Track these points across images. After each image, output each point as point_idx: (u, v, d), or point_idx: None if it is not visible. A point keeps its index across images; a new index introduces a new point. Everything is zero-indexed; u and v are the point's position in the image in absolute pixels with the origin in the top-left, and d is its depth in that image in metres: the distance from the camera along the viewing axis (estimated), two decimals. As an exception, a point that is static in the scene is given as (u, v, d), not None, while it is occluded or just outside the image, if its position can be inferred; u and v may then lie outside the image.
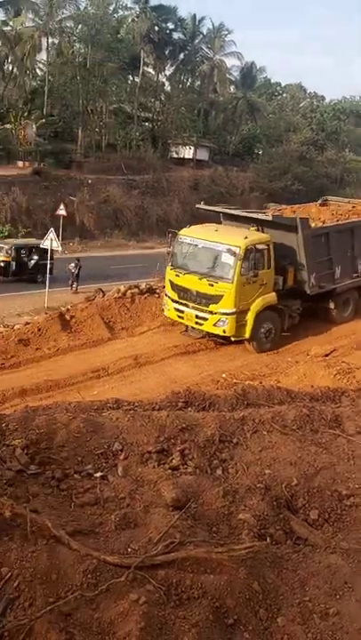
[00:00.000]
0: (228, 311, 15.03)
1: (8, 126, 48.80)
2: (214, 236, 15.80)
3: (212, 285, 15.12)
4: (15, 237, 35.69)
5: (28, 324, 17.87)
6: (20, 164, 45.79)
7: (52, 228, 23.93)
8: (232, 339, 15.54)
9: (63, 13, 52.22)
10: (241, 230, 16.51)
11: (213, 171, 59.98)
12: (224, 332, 15.21)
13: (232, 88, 69.26)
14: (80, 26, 52.35)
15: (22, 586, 3.79)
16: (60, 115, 51.86)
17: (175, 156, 61.69)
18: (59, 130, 50.55)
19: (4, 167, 41.92)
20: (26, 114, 51.15)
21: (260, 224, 16.83)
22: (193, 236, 16.25)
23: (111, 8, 58.09)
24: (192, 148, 61.10)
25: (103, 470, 5.27)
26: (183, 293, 16.00)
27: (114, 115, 59.00)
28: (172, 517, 4.56)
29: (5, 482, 4.77)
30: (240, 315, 15.15)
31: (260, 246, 15.41)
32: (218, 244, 15.33)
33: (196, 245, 15.88)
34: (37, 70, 57.48)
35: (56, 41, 53.89)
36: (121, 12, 59.43)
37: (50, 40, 52.45)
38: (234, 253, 14.86)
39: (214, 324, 15.19)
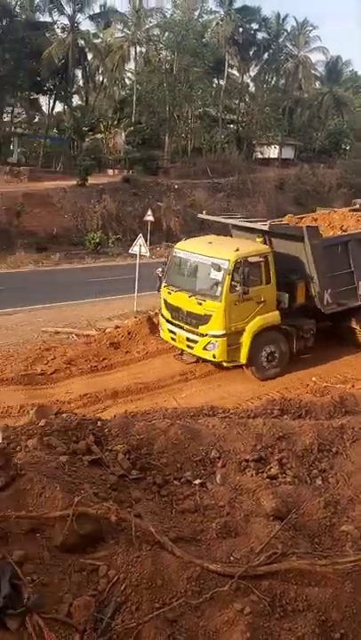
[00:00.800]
0: (217, 333, 12.78)
1: (99, 136, 50.41)
2: (206, 249, 13.73)
3: (201, 304, 13.01)
4: (107, 244, 36.83)
5: (118, 327, 18.33)
6: (110, 172, 47.15)
7: (140, 235, 24.44)
8: (224, 364, 13.28)
9: (150, 22, 53.37)
10: (239, 242, 14.42)
11: (299, 169, 58.99)
12: (214, 356, 12.97)
13: (317, 84, 67.82)
14: (166, 33, 53.21)
15: (129, 590, 3.91)
16: (147, 122, 52.93)
17: (260, 156, 61.19)
18: (146, 137, 51.59)
19: (95, 176, 43.30)
20: (115, 123, 52.63)
21: (268, 234, 14.66)
22: (185, 249, 14.22)
23: (196, 13, 58.62)
24: (277, 147, 60.42)
25: (202, 477, 5.33)
26: (175, 313, 13.99)
27: (199, 119, 59.45)
28: (273, 527, 4.54)
29: (109, 486, 4.94)
30: (233, 337, 12.86)
31: (254, 259, 13.07)
32: (207, 257, 13.23)
33: (188, 260, 13.93)
34: (126, 80, 59.05)
35: (143, 50, 55.12)
36: (205, 17, 59.84)
37: (137, 49, 53.70)
38: (221, 268, 12.62)
39: (204, 348, 13.09)
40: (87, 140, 50.03)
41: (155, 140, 54.03)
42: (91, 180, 41.86)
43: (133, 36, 51.88)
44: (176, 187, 47.09)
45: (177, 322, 13.90)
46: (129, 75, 57.65)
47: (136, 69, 54.83)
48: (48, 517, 4.25)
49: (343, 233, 15.83)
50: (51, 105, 49.04)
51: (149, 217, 33.17)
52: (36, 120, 51.90)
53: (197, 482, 5.22)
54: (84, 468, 5.00)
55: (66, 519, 4.15)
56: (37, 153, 48.45)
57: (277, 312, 13.53)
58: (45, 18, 47.91)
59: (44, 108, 50.98)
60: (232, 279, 12.64)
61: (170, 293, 14.21)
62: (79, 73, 50.25)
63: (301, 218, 18.08)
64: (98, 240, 36.72)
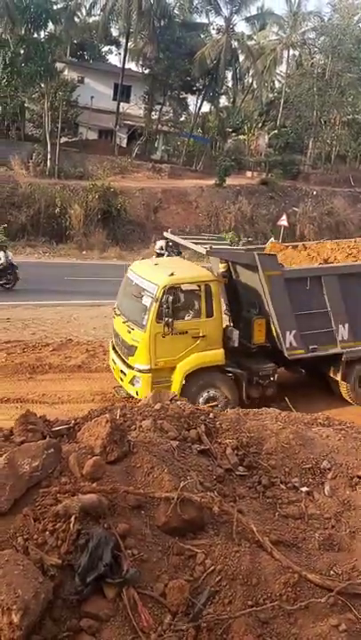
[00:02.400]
0: (141, 367, 11.04)
1: (241, 137, 50.65)
2: (147, 271, 11.97)
3: (130, 332, 11.40)
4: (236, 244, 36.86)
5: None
6: (249, 173, 47.21)
7: (272, 238, 24.32)
8: None
9: (306, 25, 52.63)
10: (185, 267, 12.67)
11: None
12: (137, 393, 11.06)
13: None
14: (322, 37, 52.20)
15: (224, 582, 3.92)
16: (292, 126, 52.31)
17: None
18: (290, 141, 51.01)
19: (233, 177, 43.60)
20: (259, 125, 52.56)
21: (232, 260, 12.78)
22: (134, 270, 12.41)
23: (356, 18, 56.89)
24: None
25: (309, 486, 5.20)
26: (116, 339, 12.40)
27: (347, 126, 57.69)
28: (380, 549, 4.32)
29: (215, 478, 4.97)
30: (160, 373, 11.01)
31: (189, 287, 11.26)
32: (144, 281, 11.54)
33: (132, 282, 12.10)
34: (275, 82, 58.76)
35: (296, 53, 54.50)
36: (366, 21, 57.86)
37: (290, 52, 53.20)
38: (150, 294, 10.98)
39: (130, 382, 11.32)
40: (230, 140, 50.46)
41: (298, 144, 53.26)
42: (229, 181, 42.19)
43: (288, 38, 51.46)
44: (315, 193, 46.13)
45: (117, 349, 12.25)
46: (279, 78, 57.32)
47: (287, 72, 54.33)
48: (154, 497, 4.36)
49: (315, 266, 13.07)
50: (198, 104, 50.03)
51: (283, 221, 32.81)
52: (182, 119, 53.20)
53: (304, 489, 5.10)
54: (193, 456, 5.07)
55: (170, 501, 4.24)
56: (180, 151, 49.68)
57: (221, 351, 11.24)
58: (202, 19, 48.98)
59: (191, 108, 52.16)
60: (160, 307, 10.70)
61: (114, 317, 12.61)
62: (229, 74, 50.73)
63: (293, 246, 14.84)
64: (229, 241, 36.96)
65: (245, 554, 4.07)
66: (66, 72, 44.09)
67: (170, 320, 10.80)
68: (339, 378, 12.38)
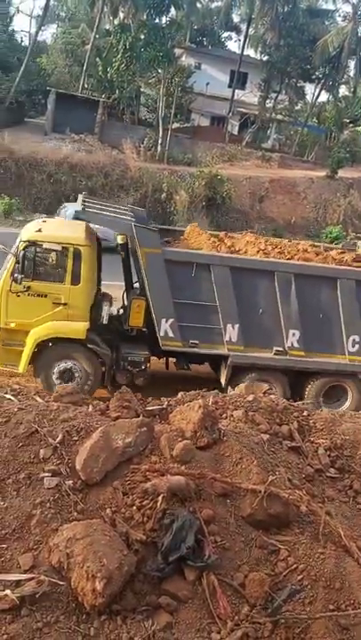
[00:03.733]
0: None
1: (359, 129, 48.73)
2: (30, 227, 10.97)
3: None
4: (344, 239, 35.68)
5: None
6: (363, 167, 45.40)
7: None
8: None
9: None
10: (63, 226, 11.76)
11: None
12: None
13: None
14: None
15: (306, 582, 3.85)
16: None
17: None
18: None
19: (347, 169, 42.06)
20: (379, 117, 50.28)
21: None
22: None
23: None
24: None
25: None
26: None
27: None
28: None
29: (304, 476, 4.87)
30: (11, 334, 10.13)
31: (54, 247, 10.09)
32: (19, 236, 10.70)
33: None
34: None
35: None
36: None
37: None
38: (14, 247, 10.12)
39: None
40: (346, 131, 48.66)
41: None
42: (341, 173, 40.76)
43: None
44: None
45: None
46: None
47: None
48: (240, 487, 4.35)
49: (204, 252, 11.40)
50: (315, 93, 48.60)
51: (395, 219, 31.28)
52: (298, 108, 51.95)
53: None
54: (283, 452, 4.99)
55: (257, 494, 4.21)
56: (292, 140, 48.60)
57: (84, 325, 10.04)
58: (328, 6, 47.38)
59: (308, 97, 50.79)
60: (16, 262, 9.80)
61: None
62: (352, 63, 48.81)
63: (214, 235, 12.78)
64: (336, 235, 35.85)
65: (330, 557, 3.97)
66: (183, 58, 44.36)
67: (19, 277, 9.70)
68: (223, 382, 10.58)
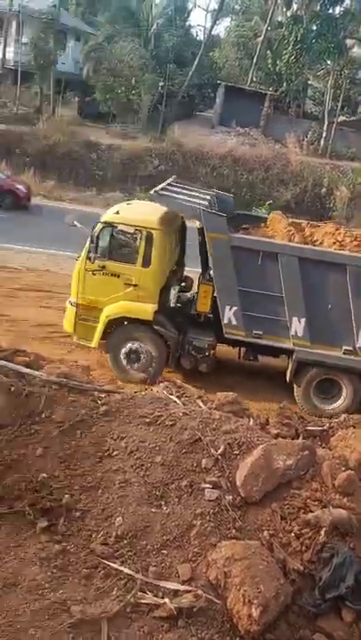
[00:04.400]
0: (70, 300, 10.43)
1: None
2: (113, 209, 11.08)
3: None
4: None
5: None
6: None
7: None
8: (75, 339, 10.57)
9: None
10: (151, 211, 10.92)
11: None
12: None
13: None
14: None
15: None
16: None
17: None
18: None
19: None
20: None
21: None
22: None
23: None
24: None
25: None
26: None
27: None
28: None
29: None
30: (87, 310, 10.24)
31: (128, 229, 10.16)
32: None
33: None
34: None
35: None
36: None
37: None
38: (92, 227, 10.13)
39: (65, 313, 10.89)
40: None
41: None
42: None
43: None
44: None
45: None
46: None
47: None
48: None
49: (272, 240, 10.58)
50: None
51: None
52: None
53: None
54: None
55: None
56: None
57: (152, 307, 9.99)
58: None
59: None
60: (94, 242, 9.90)
61: None
62: None
63: (297, 223, 11.82)
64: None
65: None
66: (355, 49, 42.50)
67: (93, 256, 9.88)
68: (288, 377, 10.13)
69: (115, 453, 4.77)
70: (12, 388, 5.22)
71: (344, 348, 9.78)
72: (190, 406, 5.20)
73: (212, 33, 38.01)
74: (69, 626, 3.61)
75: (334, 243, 10.55)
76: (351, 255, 9.87)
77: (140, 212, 10.85)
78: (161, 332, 10.15)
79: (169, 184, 11.55)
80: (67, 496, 4.57)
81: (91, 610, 3.68)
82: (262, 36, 33.17)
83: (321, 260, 9.76)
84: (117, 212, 10.39)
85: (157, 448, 4.63)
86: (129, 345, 10.17)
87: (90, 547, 4.20)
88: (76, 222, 11.07)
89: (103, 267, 9.97)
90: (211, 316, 10.40)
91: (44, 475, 4.70)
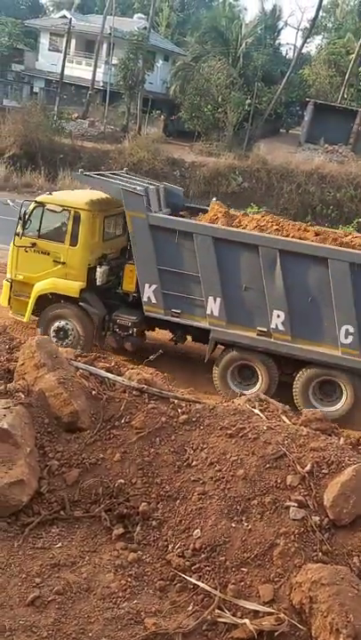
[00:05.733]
0: (7, 276, 11.19)
1: None
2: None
3: None
4: None
5: None
6: None
7: None
8: (11, 314, 11.15)
9: None
10: (82, 194, 11.73)
11: None
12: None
13: None
14: None
15: None
16: None
17: None
18: None
19: None
20: None
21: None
22: None
23: None
24: None
25: None
26: None
27: None
28: None
29: None
30: (20, 286, 10.91)
31: (56, 209, 10.55)
32: None
33: None
34: None
35: None
36: None
37: None
38: (21, 206, 10.83)
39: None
40: None
41: None
42: None
43: None
44: None
45: None
46: None
47: None
48: None
49: (186, 220, 10.78)
50: None
51: None
52: None
53: None
54: None
55: None
56: None
57: (78, 284, 10.49)
58: None
59: None
60: (19, 219, 10.58)
61: None
62: None
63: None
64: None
65: None
66: None
67: (20, 232, 10.54)
68: (206, 358, 10.18)
69: (194, 464, 4.61)
70: (94, 392, 5.21)
71: (258, 329, 9.74)
72: (274, 421, 4.97)
73: (303, 51, 37.81)
74: (142, 638, 3.46)
75: (255, 227, 10.49)
76: (262, 236, 9.84)
77: (73, 195, 11.53)
78: (86, 309, 10.57)
79: (114, 173, 12.40)
80: (144, 504, 4.45)
81: (165, 624, 3.51)
82: (355, 53, 32.60)
83: (234, 241, 9.72)
84: (50, 194, 11.11)
85: (239, 461, 4.43)
86: (56, 323, 10.68)
87: (166, 558, 4.05)
88: (9, 201, 12.06)
89: (34, 244, 10.54)
90: (136, 295, 10.61)
91: (122, 481, 4.61)
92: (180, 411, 5.00)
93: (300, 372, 9.69)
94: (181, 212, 11.69)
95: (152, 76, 35.43)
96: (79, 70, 37.48)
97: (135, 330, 10.55)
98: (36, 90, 39.72)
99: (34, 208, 10.53)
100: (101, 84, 35.95)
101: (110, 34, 34.39)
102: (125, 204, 10.23)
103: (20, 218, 10.50)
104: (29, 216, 10.49)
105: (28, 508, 4.49)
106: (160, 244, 10.12)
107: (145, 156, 28.21)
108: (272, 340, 9.64)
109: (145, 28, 34.52)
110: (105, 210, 10.82)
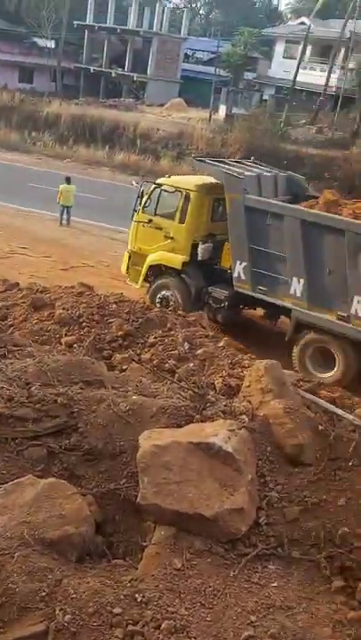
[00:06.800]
0: (128, 247, 12.52)
1: None
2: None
3: None
4: None
5: None
6: None
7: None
8: (128, 281, 12.42)
9: None
10: (198, 177, 12.26)
11: None
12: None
13: None
14: None
15: None
16: None
17: None
18: None
19: None
20: None
21: None
22: None
23: None
24: None
25: None
26: None
27: None
28: None
29: None
30: (137, 257, 12.07)
31: (170, 190, 11.61)
32: None
33: None
34: None
35: None
36: None
37: None
38: (140, 186, 12.13)
39: None
40: None
41: None
42: None
43: None
44: None
45: None
46: None
47: None
48: None
49: (279, 202, 11.02)
50: None
51: None
52: None
53: None
54: None
55: None
56: None
57: (182, 257, 11.52)
58: None
59: None
60: (145, 200, 11.88)
61: None
62: None
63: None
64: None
65: None
66: None
67: (137, 209, 11.90)
68: (287, 336, 10.72)
69: None
70: (320, 427, 4.98)
71: (338, 313, 9.93)
72: None
73: None
74: None
75: (350, 214, 10.50)
76: (350, 221, 9.88)
77: (187, 179, 12.55)
78: (186, 281, 11.64)
79: (237, 160, 13.92)
80: (368, 559, 4.12)
81: None
82: None
83: (321, 224, 10.00)
84: (169, 177, 12.44)
85: None
86: (162, 292, 11.86)
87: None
88: (134, 182, 13.46)
89: (150, 220, 11.82)
90: (231, 272, 11.25)
91: (346, 529, 4.32)
92: None
93: None
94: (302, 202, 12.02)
95: (393, 77, 33.63)
96: (312, 76, 37.08)
97: (227, 304, 11.35)
98: (265, 97, 40.26)
99: (153, 189, 11.80)
100: (334, 90, 35.13)
101: (350, 38, 33.39)
102: (226, 187, 11.04)
103: (138, 196, 11.88)
104: (149, 196, 11.76)
105: (246, 538, 4.42)
106: (253, 223, 10.77)
107: (373, 162, 26.97)
108: (351, 325, 9.73)
109: (390, 31, 32.86)
110: (216, 193, 11.53)
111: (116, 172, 29.27)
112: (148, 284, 12.11)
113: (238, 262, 10.97)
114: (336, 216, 10.17)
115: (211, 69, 39.31)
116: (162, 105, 38.13)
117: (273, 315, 11.66)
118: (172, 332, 8.00)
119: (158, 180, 12.06)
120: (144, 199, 11.93)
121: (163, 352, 7.46)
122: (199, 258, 11.58)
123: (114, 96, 41.06)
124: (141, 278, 11.97)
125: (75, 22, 42.93)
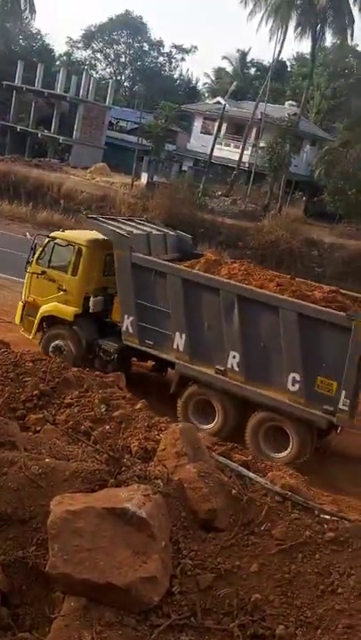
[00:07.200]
0: (21, 297, 12.80)
1: None
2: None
3: None
4: None
5: None
6: None
7: None
8: (21, 331, 12.66)
9: None
10: (92, 233, 12.71)
11: None
12: None
13: None
14: None
15: None
16: None
17: None
18: None
19: None
20: None
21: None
22: None
23: None
24: None
25: None
26: None
27: None
28: None
29: None
30: (30, 308, 12.41)
31: (64, 243, 12.17)
32: None
33: None
34: None
35: None
36: None
37: None
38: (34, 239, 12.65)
39: None
40: None
41: None
42: None
43: None
44: None
45: None
46: None
47: None
48: None
49: (162, 261, 11.66)
50: None
51: None
52: None
53: None
54: None
55: None
56: None
57: (73, 310, 11.95)
58: None
59: None
60: (41, 252, 12.27)
61: None
62: None
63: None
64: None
65: None
66: None
67: (30, 261, 12.27)
68: (171, 389, 11.17)
69: (340, 590, 4.21)
70: (233, 492, 5.01)
71: (216, 367, 10.50)
72: None
73: None
74: None
75: (226, 273, 11.31)
76: (224, 281, 10.71)
77: (81, 234, 12.92)
78: (77, 332, 11.94)
79: (127, 218, 14.58)
80: (281, 627, 4.10)
81: None
82: None
83: (199, 283, 10.76)
84: (63, 231, 13.08)
85: (396, 598, 4.00)
86: (56, 342, 12.06)
87: None
88: (27, 234, 14.05)
89: (44, 272, 12.13)
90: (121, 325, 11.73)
91: (258, 596, 4.29)
92: (326, 527, 4.64)
93: (253, 415, 10.28)
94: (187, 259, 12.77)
95: (298, 159, 36.26)
96: (227, 151, 39.35)
97: (117, 356, 11.69)
98: (184, 168, 42.10)
99: (47, 242, 12.22)
100: (247, 165, 37.31)
101: (261, 119, 35.88)
102: (115, 244, 11.63)
103: (31, 248, 12.24)
104: (43, 248, 12.15)
105: (159, 608, 4.30)
106: (139, 280, 11.33)
107: (283, 234, 28.57)
108: (228, 379, 10.32)
109: (295, 114, 35.66)
110: (108, 248, 11.96)
111: (39, 229, 29.17)
112: (41, 334, 12.38)
113: (126, 316, 11.50)
114: (212, 276, 11.00)
115: (134, 138, 40.76)
116: (86, 168, 38.83)
117: (161, 368, 12.25)
118: (89, 393, 7.90)
119: (52, 234, 12.55)
120: (38, 251, 12.32)
121: (79, 413, 7.34)
122: (90, 310, 12.07)
123: (39, 156, 41.44)
124: (35, 328, 12.21)
125: (3, 82, 43.49)
